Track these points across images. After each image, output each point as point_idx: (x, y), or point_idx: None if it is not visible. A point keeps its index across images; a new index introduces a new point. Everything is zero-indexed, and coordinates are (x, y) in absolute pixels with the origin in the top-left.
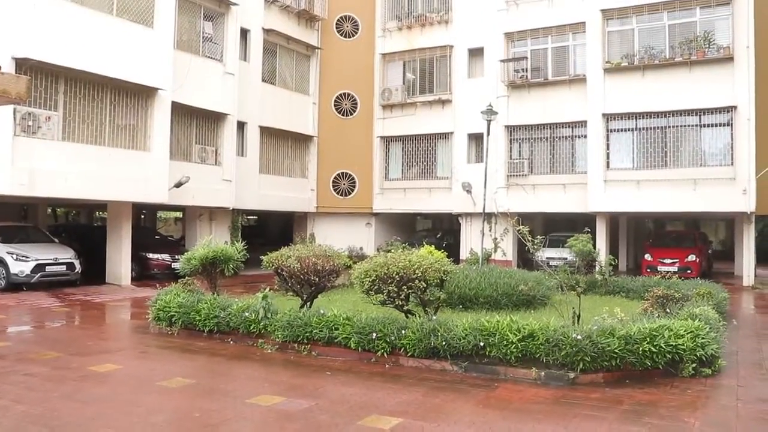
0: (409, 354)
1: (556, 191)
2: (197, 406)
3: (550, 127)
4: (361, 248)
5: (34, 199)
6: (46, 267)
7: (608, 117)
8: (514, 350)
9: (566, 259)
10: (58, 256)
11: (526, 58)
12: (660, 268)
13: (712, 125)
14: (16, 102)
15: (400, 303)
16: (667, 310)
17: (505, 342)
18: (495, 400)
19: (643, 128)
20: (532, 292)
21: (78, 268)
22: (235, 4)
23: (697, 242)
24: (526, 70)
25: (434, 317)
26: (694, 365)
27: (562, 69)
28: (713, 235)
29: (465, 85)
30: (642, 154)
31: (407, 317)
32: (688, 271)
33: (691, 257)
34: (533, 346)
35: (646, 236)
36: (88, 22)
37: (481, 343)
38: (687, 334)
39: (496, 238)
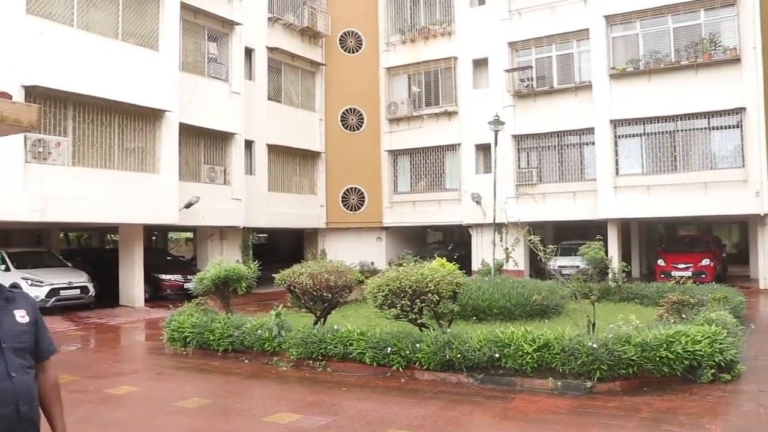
0: (424, 367)
1: (565, 199)
2: (214, 426)
3: (558, 135)
4: (372, 263)
5: (46, 224)
6: (61, 291)
7: (616, 123)
8: (530, 361)
9: (579, 267)
10: (72, 280)
11: (531, 67)
12: (674, 273)
13: (722, 127)
14: (27, 130)
15: (414, 317)
16: (683, 316)
17: (520, 353)
18: (512, 411)
19: (652, 133)
20: (545, 301)
21: (92, 291)
22: (238, 24)
23: (710, 246)
24: (532, 79)
25: (448, 330)
26: (712, 371)
27: (568, 77)
28: (727, 239)
29: (471, 96)
30: (651, 159)
31: (421, 331)
32: (703, 276)
33: (705, 261)
34: (549, 356)
35: (659, 241)
36: (94, 48)
37: (497, 355)
38: (704, 339)
39: (507, 249)
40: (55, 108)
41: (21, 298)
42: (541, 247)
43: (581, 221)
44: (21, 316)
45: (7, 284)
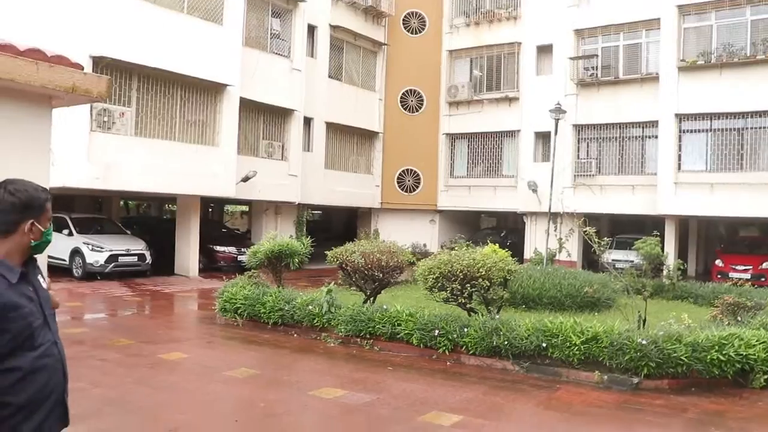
0: (470, 352)
1: (624, 192)
2: (262, 396)
3: (620, 127)
4: (424, 245)
5: (108, 192)
6: (119, 257)
7: (681, 117)
8: (577, 352)
9: (633, 261)
10: (130, 247)
11: (597, 55)
12: (731, 274)
13: None
14: (96, 100)
15: (463, 301)
16: (738, 319)
17: (568, 344)
18: (556, 401)
19: (718, 129)
20: (596, 294)
21: (148, 259)
22: (302, 0)
23: None
24: (596, 68)
25: (497, 316)
26: (765, 377)
27: (634, 67)
28: None
29: (533, 83)
30: (716, 156)
31: (470, 315)
32: (762, 279)
33: (766, 264)
34: (596, 349)
35: (718, 241)
36: (160, 21)
37: (544, 344)
38: (759, 344)
39: (561, 239)
40: (121, 79)
41: (34, 262)
42: (596, 240)
43: (639, 216)
44: (43, 281)
45: (69, 249)
